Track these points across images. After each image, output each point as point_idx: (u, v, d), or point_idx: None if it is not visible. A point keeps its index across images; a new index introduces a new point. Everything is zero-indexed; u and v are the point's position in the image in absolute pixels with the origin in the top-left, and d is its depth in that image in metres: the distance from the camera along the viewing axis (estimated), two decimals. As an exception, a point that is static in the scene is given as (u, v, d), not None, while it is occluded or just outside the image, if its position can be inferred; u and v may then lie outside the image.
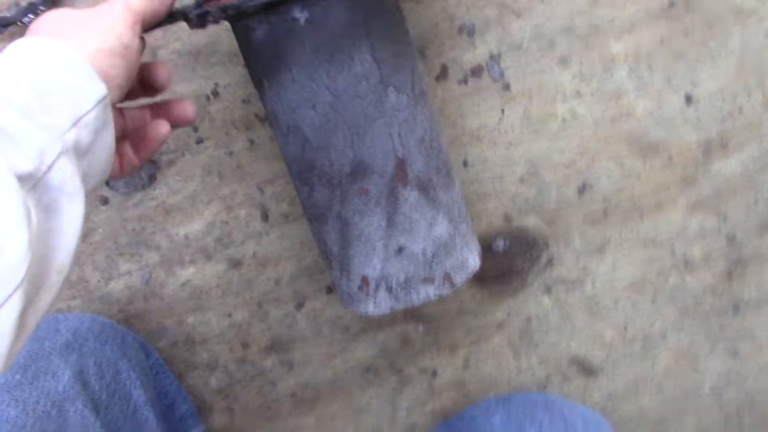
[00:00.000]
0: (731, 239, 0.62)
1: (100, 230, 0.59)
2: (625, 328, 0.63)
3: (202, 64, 0.57)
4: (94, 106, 0.40)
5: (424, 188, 0.47)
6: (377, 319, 0.62)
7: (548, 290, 0.62)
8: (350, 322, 0.62)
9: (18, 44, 0.40)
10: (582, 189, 0.60)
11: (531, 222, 0.61)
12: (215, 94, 0.57)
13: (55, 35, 0.41)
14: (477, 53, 0.58)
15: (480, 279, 0.61)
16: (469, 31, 0.58)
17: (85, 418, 0.50)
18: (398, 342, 0.63)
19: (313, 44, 0.44)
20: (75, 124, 0.39)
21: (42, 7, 0.56)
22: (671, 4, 0.58)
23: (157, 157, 0.59)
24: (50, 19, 0.43)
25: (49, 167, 0.36)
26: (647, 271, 0.62)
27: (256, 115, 0.58)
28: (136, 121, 0.48)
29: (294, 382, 0.63)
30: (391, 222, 0.47)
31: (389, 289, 0.48)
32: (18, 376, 0.50)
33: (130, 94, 0.46)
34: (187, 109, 0.48)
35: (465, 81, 0.59)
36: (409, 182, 0.46)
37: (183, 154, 0.59)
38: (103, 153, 0.41)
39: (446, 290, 0.48)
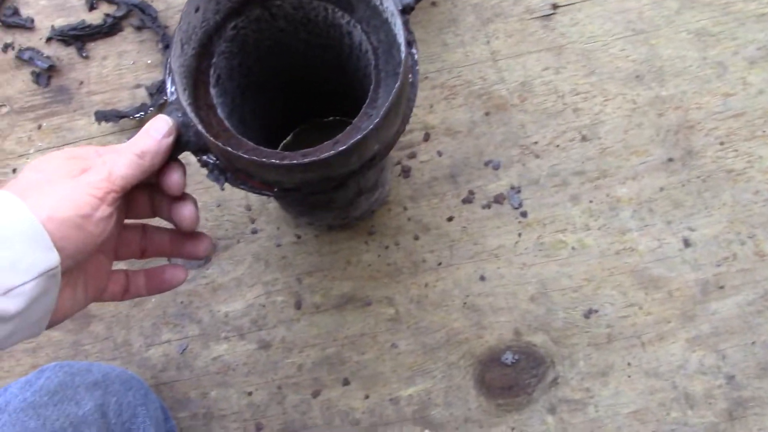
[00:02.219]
0: (731, 379, 0.69)
1: (154, 299, 0.71)
2: (628, 458, 0.69)
3: (266, 167, 0.72)
4: (34, 278, 0.39)
5: (372, 189, 0.63)
6: (386, 417, 0.69)
7: (552, 409, 0.70)
8: (361, 416, 0.70)
9: None
10: (588, 313, 0.70)
11: (539, 339, 0.70)
12: (273, 193, 0.72)
13: (25, 187, 0.42)
14: (500, 184, 0.73)
15: (488, 389, 0.70)
16: (494, 166, 0.73)
17: None
18: (405, 444, 0.70)
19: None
20: (4, 293, 0.39)
21: (151, 108, 0.74)
22: (670, 160, 0.72)
23: (216, 240, 0.72)
24: (37, 165, 0.44)
25: None
26: (649, 401, 0.69)
27: (305, 214, 0.72)
28: (155, 246, 0.52)
29: (300, 472, 0.70)
30: (343, 211, 0.64)
31: (329, 228, 0.69)
32: (45, 398, 0.59)
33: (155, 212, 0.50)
34: (200, 248, 0.51)
35: (488, 206, 0.72)
36: (363, 192, 0.62)
37: (238, 241, 0.72)
38: (38, 315, 0.41)
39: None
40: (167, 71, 0.48)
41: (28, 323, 0.41)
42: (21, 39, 0.79)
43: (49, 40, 0.78)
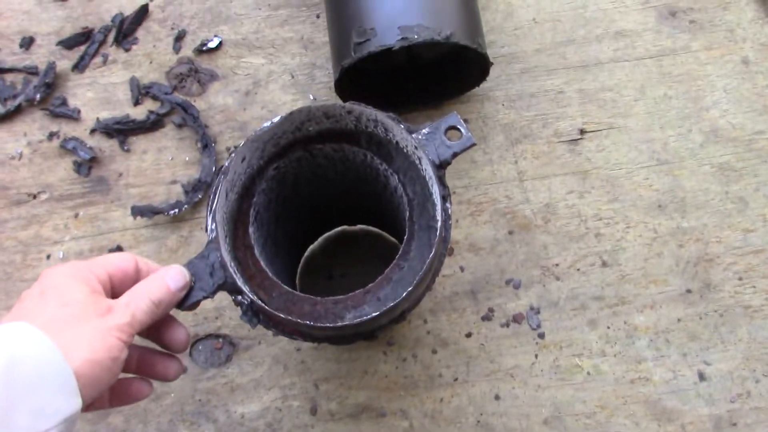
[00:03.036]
0: None
1: (173, 395, 0.74)
2: None
3: (293, 273, 0.76)
4: (58, 425, 0.40)
5: None
6: None
7: None
8: None
9: (10, 328, 0.41)
10: (600, 440, 0.72)
11: (551, 463, 0.72)
12: (297, 298, 0.75)
13: (52, 321, 0.42)
14: (520, 303, 0.76)
15: None
16: (515, 285, 0.76)
17: None
18: None
19: None
20: None
21: (186, 206, 0.78)
22: (688, 291, 0.75)
23: (237, 340, 0.75)
24: (59, 292, 0.45)
25: None
26: None
27: (327, 321, 0.75)
28: (127, 364, 0.50)
29: None
30: None
31: None
32: None
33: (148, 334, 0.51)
34: (171, 369, 0.52)
35: (507, 324, 0.75)
36: None
37: (259, 343, 0.75)
38: None
39: None
40: (208, 211, 0.52)
41: None
42: (66, 128, 0.84)
43: (93, 131, 0.83)
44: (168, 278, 0.49)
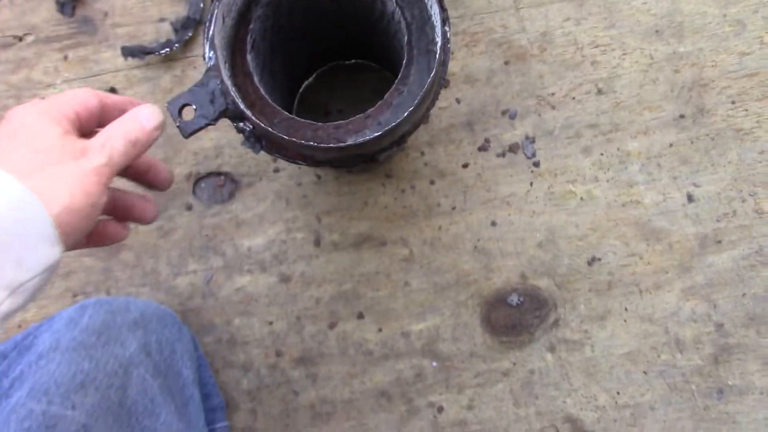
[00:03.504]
0: (720, 327, 0.76)
1: (180, 231, 0.77)
2: (618, 394, 0.77)
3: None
4: (39, 274, 0.40)
5: None
6: (397, 349, 0.77)
7: (552, 348, 0.77)
8: (374, 347, 0.77)
9: None
10: (591, 261, 0.77)
11: (544, 283, 0.77)
12: (296, 134, 0.77)
13: (26, 166, 0.41)
14: (515, 133, 0.77)
15: (493, 327, 0.77)
16: (511, 115, 0.78)
17: (146, 381, 0.66)
18: (413, 373, 0.78)
19: None
20: (11, 292, 0.39)
21: (177, 44, 0.78)
22: (681, 116, 0.77)
23: (238, 177, 0.77)
24: (29, 134, 0.43)
25: None
26: (642, 345, 0.77)
27: (326, 156, 0.77)
28: (108, 206, 0.51)
29: (315, 395, 0.78)
30: None
31: None
32: (93, 339, 0.65)
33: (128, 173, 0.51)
34: (147, 212, 0.52)
35: (503, 154, 0.77)
36: None
37: (261, 179, 0.77)
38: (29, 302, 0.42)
39: None
40: (205, 38, 0.52)
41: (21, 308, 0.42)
42: (45, -34, 0.81)
43: (73, -32, 0.81)
44: (142, 117, 0.47)
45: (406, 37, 0.54)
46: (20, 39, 0.80)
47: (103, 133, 0.46)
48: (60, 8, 0.80)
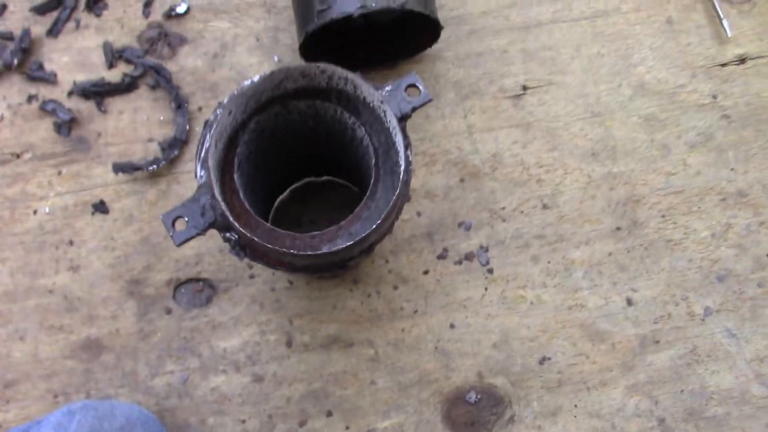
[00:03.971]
0: (661, 421, 0.83)
1: (159, 334, 0.83)
2: (571, 487, 0.82)
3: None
4: None
5: None
6: (364, 446, 0.82)
7: (509, 443, 0.83)
8: (341, 444, 0.82)
9: None
10: (542, 360, 0.84)
11: (499, 381, 0.83)
12: (271, 243, 0.84)
13: None
14: (471, 243, 0.86)
15: (453, 424, 0.83)
16: (466, 227, 0.86)
17: None
18: (378, 471, 0.82)
19: None
20: None
21: (163, 162, 0.86)
22: (618, 228, 0.87)
23: (216, 283, 0.84)
24: None
25: None
26: (592, 439, 0.83)
27: (298, 263, 0.84)
28: None
29: (284, 493, 0.82)
30: None
31: None
32: None
33: None
34: None
35: (460, 262, 0.86)
36: None
37: (237, 285, 0.84)
38: None
39: None
40: (197, 159, 0.60)
41: None
42: (44, 91, 0.90)
43: (70, 94, 0.90)
44: None
45: (373, 160, 0.63)
46: (18, 156, 0.88)
47: None
48: (57, 129, 0.89)
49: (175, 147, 0.88)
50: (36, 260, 0.86)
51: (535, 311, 0.85)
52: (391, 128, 0.61)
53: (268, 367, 0.84)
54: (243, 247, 0.61)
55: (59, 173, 0.88)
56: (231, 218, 0.57)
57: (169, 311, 0.84)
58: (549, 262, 0.86)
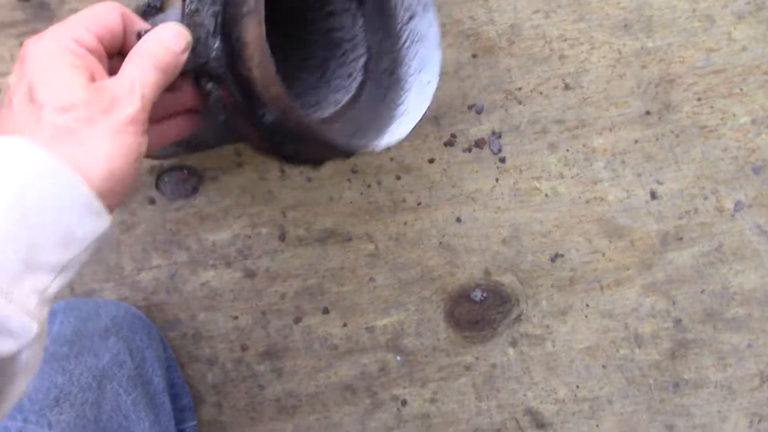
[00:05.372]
0: (678, 322, 0.79)
1: (143, 225, 0.78)
2: (577, 387, 0.80)
3: (253, 103, 0.77)
4: (87, 247, 0.38)
5: None
6: (362, 344, 0.79)
7: (514, 343, 0.80)
8: (339, 342, 0.80)
9: (8, 148, 0.37)
10: (554, 257, 0.79)
11: (507, 279, 0.79)
12: (260, 128, 0.77)
13: (54, 133, 0.38)
14: (482, 128, 0.79)
15: (457, 322, 0.79)
16: (477, 110, 0.79)
17: (120, 396, 0.67)
18: (377, 367, 0.80)
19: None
20: (59, 273, 0.37)
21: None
22: (647, 113, 0.78)
23: (202, 171, 0.78)
24: (55, 96, 0.39)
25: (17, 353, 0.35)
26: (602, 339, 0.80)
27: (290, 151, 0.78)
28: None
29: (280, 388, 0.80)
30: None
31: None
32: (65, 349, 0.66)
33: None
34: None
35: (469, 150, 0.79)
36: None
37: (224, 173, 0.78)
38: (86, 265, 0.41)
39: None
40: None
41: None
42: (-3, -51, 0.80)
43: (27, -48, 0.79)
44: (168, 39, 0.42)
45: (364, 59, 0.54)
46: (-27, 26, 0.79)
47: (129, 69, 0.41)
48: (15, -6, 0.79)
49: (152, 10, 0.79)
50: (4, 144, 0.79)
51: (550, 204, 0.79)
52: (401, 27, 0.52)
53: (261, 262, 0.80)
54: (225, 107, 0.46)
55: (21, 44, 0.79)
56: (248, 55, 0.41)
57: (152, 201, 0.79)
58: (567, 151, 0.79)
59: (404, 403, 0.81)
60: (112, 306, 0.74)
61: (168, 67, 0.42)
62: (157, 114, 0.45)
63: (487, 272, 0.80)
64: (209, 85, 0.45)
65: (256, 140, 0.48)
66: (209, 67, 0.43)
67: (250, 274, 0.79)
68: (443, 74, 0.79)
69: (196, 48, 0.42)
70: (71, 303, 0.72)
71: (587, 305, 0.80)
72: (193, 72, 0.43)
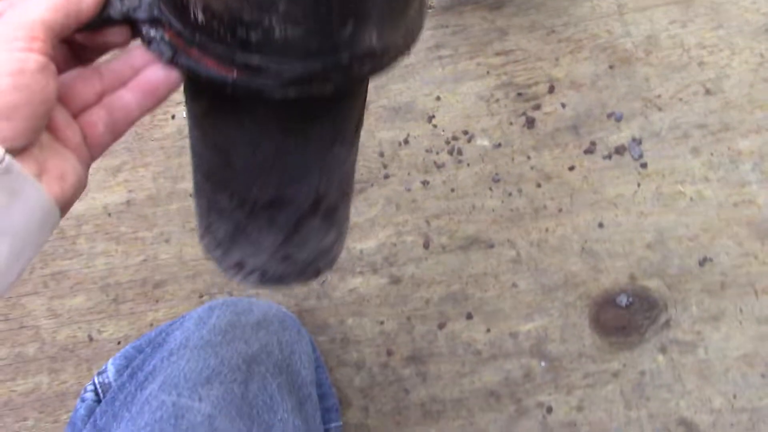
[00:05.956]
0: (843, 329, 0.76)
1: (297, 234, 0.84)
2: (734, 397, 0.77)
3: (400, 118, 0.83)
4: None
5: (330, 214, 0.49)
6: (505, 350, 0.80)
7: (663, 349, 0.78)
8: (483, 347, 0.81)
9: None
10: (703, 261, 0.78)
11: (653, 284, 0.79)
12: (406, 142, 0.82)
13: None
14: (621, 135, 0.80)
15: (602, 328, 0.79)
16: (617, 117, 0.81)
17: (266, 380, 0.72)
18: (521, 373, 0.81)
19: (278, 109, 0.42)
20: None
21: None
22: (795, 115, 0.78)
23: (351, 183, 0.84)
24: None
25: None
26: (759, 347, 0.77)
27: (434, 163, 0.82)
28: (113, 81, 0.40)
29: (425, 393, 0.82)
30: (287, 239, 0.49)
31: (262, 277, 0.52)
32: (219, 337, 0.72)
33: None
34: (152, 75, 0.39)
35: (609, 156, 0.80)
36: (319, 213, 0.48)
37: (372, 185, 0.83)
38: (24, 218, 0.35)
39: (312, 279, 0.57)
40: None
41: (21, 232, 0.35)
42: None
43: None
44: None
45: None
46: (154, 61, 0.90)
47: None
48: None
49: None
50: (176, 164, 0.88)
51: (695, 208, 0.79)
52: None
53: (406, 268, 0.83)
54: (172, 46, 0.38)
55: (193, 77, 0.89)
56: None
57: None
58: (712, 154, 0.79)
59: (550, 410, 0.80)
60: (264, 304, 0.79)
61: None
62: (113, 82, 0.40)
63: (632, 277, 0.79)
64: (151, 31, 0.38)
65: (213, 67, 0.37)
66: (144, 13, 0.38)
67: (396, 281, 0.83)
68: (581, 86, 0.82)
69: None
70: (228, 300, 0.78)
71: (741, 311, 0.78)
72: (126, 21, 0.38)
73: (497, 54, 0.84)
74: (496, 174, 0.83)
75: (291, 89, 0.37)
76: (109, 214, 0.88)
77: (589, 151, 0.81)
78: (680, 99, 0.80)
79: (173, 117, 0.89)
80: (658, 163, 0.80)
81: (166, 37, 0.37)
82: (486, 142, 0.84)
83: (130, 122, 0.40)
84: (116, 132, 0.40)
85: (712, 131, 0.79)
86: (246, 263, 0.53)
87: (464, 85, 0.85)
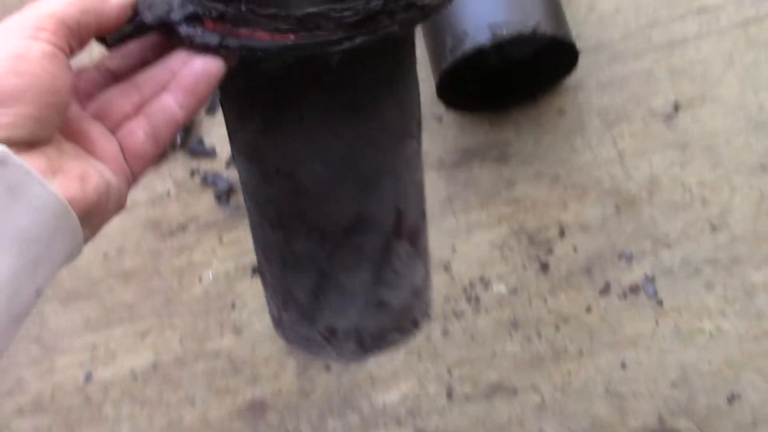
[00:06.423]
0: None
1: (319, 391, 0.85)
2: None
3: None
4: None
5: (414, 237, 0.47)
6: (538, 501, 0.78)
7: (703, 494, 0.76)
8: (514, 500, 0.79)
9: None
10: (731, 398, 0.77)
11: (683, 424, 0.77)
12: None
13: None
14: (634, 274, 0.82)
15: (636, 474, 0.77)
16: (627, 257, 0.83)
17: None
18: None
19: (339, 88, 0.40)
20: None
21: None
22: (803, 246, 0.79)
23: (372, 335, 0.85)
24: None
25: None
26: (803, 487, 0.74)
27: (453, 311, 0.84)
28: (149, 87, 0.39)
29: None
30: (378, 278, 0.46)
31: (359, 340, 0.49)
32: None
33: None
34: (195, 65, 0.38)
35: (624, 296, 0.82)
36: (404, 234, 0.46)
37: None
38: (24, 225, 0.32)
39: (412, 333, 0.52)
40: None
41: (29, 239, 0.32)
42: (205, 165, 0.98)
43: (228, 164, 0.97)
44: None
45: None
46: (184, 228, 0.96)
47: None
48: (217, 199, 0.96)
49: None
50: (203, 325, 0.91)
51: (716, 343, 0.79)
52: None
53: (430, 420, 0.83)
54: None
55: (220, 240, 0.94)
56: None
57: (328, 367, 0.86)
58: (726, 288, 0.80)
59: None
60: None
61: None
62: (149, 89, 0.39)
63: (661, 418, 0.78)
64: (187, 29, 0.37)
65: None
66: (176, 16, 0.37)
67: (421, 432, 0.83)
68: (590, 229, 0.85)
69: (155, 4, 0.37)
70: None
71: (777, 448, 0.75)
72: (162, 25, 0.38)
73: (507, 203, 0.88)
74: (515, 319, 0.84)
75: (357, 37, 0.34)
76: (136, 378, 0.90)
77: (604, 292, 0.83)
78: (688, 236, 0.83)
79: (200, 279, 0.93)
80: (674, 300, 0.81)
81: (210, 28, 0.36)
82: (503, 288, 0.86)
83: (173, 126, 0.39)
84: (159, 139, 0.39)
85: (723, 265, 0.81)
86: (338, 325, 0.49)
87: (477, 234, 0.89)
